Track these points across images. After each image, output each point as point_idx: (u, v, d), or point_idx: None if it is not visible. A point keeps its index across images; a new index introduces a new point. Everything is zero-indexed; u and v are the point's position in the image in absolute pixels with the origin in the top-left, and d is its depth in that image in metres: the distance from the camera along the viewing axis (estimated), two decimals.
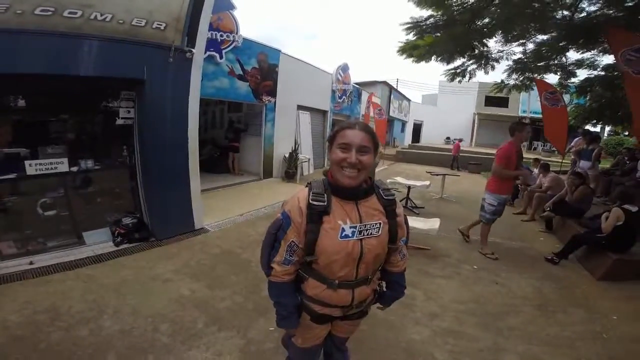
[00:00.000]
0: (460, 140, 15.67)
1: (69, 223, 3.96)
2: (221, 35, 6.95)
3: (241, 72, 7.76)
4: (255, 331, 2.61)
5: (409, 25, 7.05)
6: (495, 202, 4.41)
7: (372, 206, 1.26)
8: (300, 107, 10.44)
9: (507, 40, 7.23)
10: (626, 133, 18.48)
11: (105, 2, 3.43)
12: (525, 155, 5.44)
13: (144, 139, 4.13)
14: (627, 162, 7.97)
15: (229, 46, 7.14)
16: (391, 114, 22.26)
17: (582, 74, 8.25)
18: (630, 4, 5.45)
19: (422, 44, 7.00)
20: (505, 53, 7.61)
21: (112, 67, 3.63)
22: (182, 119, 4.33)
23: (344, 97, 13.37)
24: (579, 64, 7.72)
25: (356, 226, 1.22)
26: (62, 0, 3.15)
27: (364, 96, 15.71)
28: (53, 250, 3.72)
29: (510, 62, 7.90)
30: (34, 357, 2.20)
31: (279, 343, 2.23)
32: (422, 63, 7.66)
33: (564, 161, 9.41)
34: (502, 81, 8.66)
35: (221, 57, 7.06)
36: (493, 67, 7.81)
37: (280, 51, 8.96)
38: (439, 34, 6.90)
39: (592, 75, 8.15)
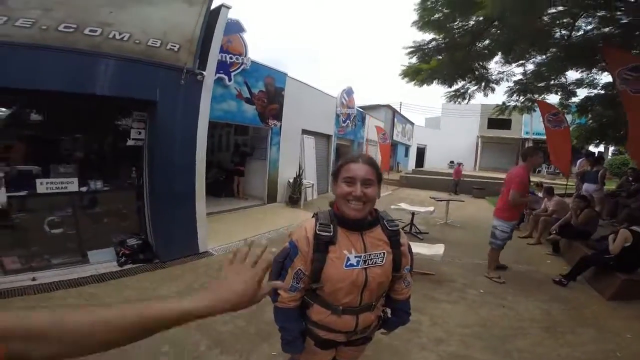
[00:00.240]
0: (460, 164, 15.65)
1: (74, 241, 4.00)
2: (230, 58, 7.06)
3: (248, 95, 7.84)
4: (258, 356, 2.58)
5: (412, 49, 7.31)
6: (508, 229, 4.38)
7: (376, 236, 1.30)
8: (304, 132, 10.50)
9: (506, 61, 7.42)
10: None
11: (124, 22, 3.58)
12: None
13: (153, 161, 4.20)
14: (632, 183, 7.92)
15: (237, 69, 7.26)
16: (395, 137, 22.39)
17: (582, 93, 8.42)
18: (624, 21, 5.59)
19: (425, 68, 7.20)
20: (505, 74, 7.81)
21: (127, 88, 3.75)
22: (191, 141, 4.41)
23: (348, 121, 13.42)
24: (579, 83, 7.87)
25: (361, 256, 1.25)
26: (85, 18, 3.32)
27: (367, 120, 15.84)
28: (56, 267, 3.74)
29: (511, 83, 8.07)
30: None
31: None
32: (425, 86, 7.85)
33: (568, 183, 9.36)
34: (504, 103, 8.79)
35: (230, 80, 7.14)
36: (493, 90, 7.99)
37: (286, 74, 9.10)
38: (440, 57, 7.11)
39: (592, 94, 8.26)
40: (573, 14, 5.75)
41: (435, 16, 6.47)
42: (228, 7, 4.64)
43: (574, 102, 8.63)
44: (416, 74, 7.44)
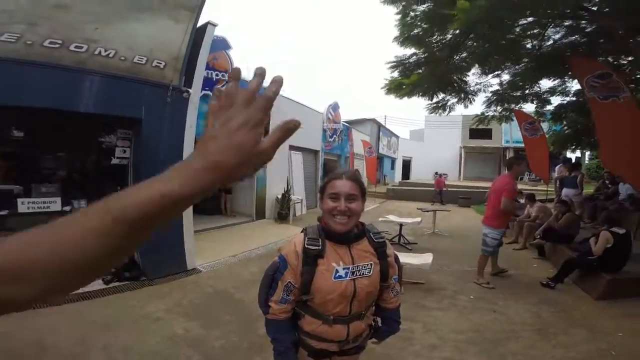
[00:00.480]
0: (441, 175, 16.20)
1: None
2: (216, 75, 7.14)
3: None
4: None
5: (393, 64, 7.56)
6: (498, 236, 4.52)
7: (363, 249, 1.36)
8: (292, 147, 10.55)
9: (483, 73, 7.74)
10: None
11: (110, 38, 3.59)
12: None
13: (139, 180, 4.10)
14: (609, 186, 8.24)
15: (223, 85, 7.31)
16: (380, 151, 22.73)
17: (555, 100, 8.76)
18: (589, 29, 5.92)
19: (407, 83, 7.43)
20: (482, 85, 8.12)
21: (112, 105, 3.72)
22: (177, 159, 4.28)
23: (334, 136, 13.58)
24: (552, 91, 8.24)
25: (349, 267, 1.31)
26: (71, 34, 3.31)
27: (351, 134, 16.02)
28: None
29: (489, 94, 8.39)
30: None
31: None
32: (408, 99, 8.08)
33: (549, 189, 9.64)
34: (482, 113, 9.09)
35: None
36: (472, 101, 8.28)
37: None
38: (421, 71, 7.36)
39: (565, 102, 8.64)
40: (542, 24, 6.08)
41: (415, 31, 6.75)
42: (214, 25, 4.72)
43: (549, 110, 9.01)
44: (398, 88, 7.66)
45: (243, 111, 0.43)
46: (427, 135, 30.32)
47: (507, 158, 4.69)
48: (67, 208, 3.87)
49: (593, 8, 5.44)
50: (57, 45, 3.25)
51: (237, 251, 5.76)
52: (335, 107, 13.39)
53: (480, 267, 4.65)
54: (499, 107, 8.68)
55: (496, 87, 8.19)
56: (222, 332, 3.06)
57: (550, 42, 6.71)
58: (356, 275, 1.31)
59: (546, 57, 6.53)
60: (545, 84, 8.21)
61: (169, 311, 3.42)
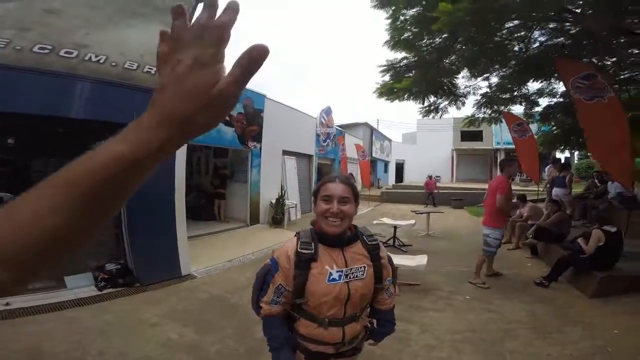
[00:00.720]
0: (431, 177, 16.34)
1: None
2: None
3: (227, 118, 7.89)
4: None
5: (384, 68, 7.64)
6: (499, 236, 4.59)
7: (357, 251, 1.37)
8: (285, 152, 10.57)
9: (472, 76, 7.85)
10: None
11: (101, 44, 3.56)
12: None
13: None
14: (598, 185, 8.38)
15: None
16: (374, 154, 22.81)
17: (543, 102, 8.92)
18: (573, 31, 6.04)
19: (399, 87, 7.51)
20: (472, 88, 8.25)
21: (103, 111, 3.69)
22: (169, 166, 4.34)
23: (328, 140, 13.60)
24: (540, 92, 8.40)
25: (342, 270, 1.32)
26: (61, 39, 3.27)
27: (347, 138, 16.11)
28: (31, 292, 3.56)
29: (478, 97, 8.51)
30: None
31: None
32: (399, 102, 8.17)
33: (539, 189, 9.77)
34: (473, 115, 9.21)
35: None
36: (463, 103, 8.40)
37: (265, 96, 9.23)
38: (411, 75, 7.44)
39: (553, 103, 8.79)
40: (527, 27, 6.19)
41: (405, 35, 6.84)
42: None
43: (537, 112, 9.16)
44: (390, 92, 7.74)
45: (192, 50, 0.37)
46: (420, 138, 30.53)
47: (500, 160, 4.76)
48: None
49: (577, 10, 5.56)
50: (47, 51, 3.22)
51: (232, 256, 5.74)
52: (328, 111, 13.44)
53: (479, 267, 4.70)
54: (488, 110, 8.79)
55: (485, 90, 8.33)
56: (217, 337, 3.04)
57: (537, 44, 6.85)
58: (350, 278, 1.32)
59: (533, 59, 6.65)
60: (533, 85, 8.36)
61: (164, 317, 3.39)
